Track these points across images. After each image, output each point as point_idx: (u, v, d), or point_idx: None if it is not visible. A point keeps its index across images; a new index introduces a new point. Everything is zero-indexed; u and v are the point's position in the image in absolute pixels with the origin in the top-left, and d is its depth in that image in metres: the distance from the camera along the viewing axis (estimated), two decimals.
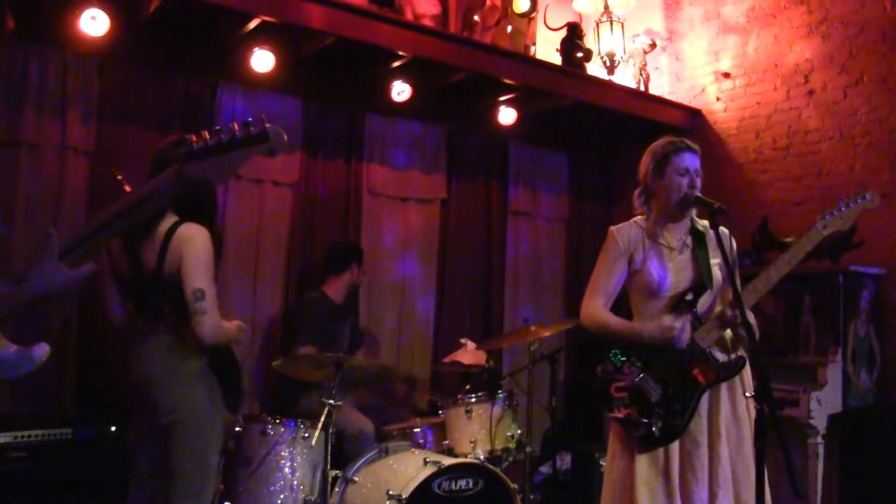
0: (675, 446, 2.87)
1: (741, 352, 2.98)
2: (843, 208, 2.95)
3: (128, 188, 2.92)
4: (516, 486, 3.96)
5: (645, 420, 2.86)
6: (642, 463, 2.88)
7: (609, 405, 2.96)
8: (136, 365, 3.00)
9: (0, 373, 1.76)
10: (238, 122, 1.61)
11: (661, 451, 2.87)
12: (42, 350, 1.80)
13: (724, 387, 2.92)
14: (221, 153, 1.61)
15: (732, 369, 2.92)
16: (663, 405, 2.87)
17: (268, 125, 1.61)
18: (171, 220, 2.92)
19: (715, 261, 2.99)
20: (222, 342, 3.02)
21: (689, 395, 2.87)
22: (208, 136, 1.61)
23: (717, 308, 3.00)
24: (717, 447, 2.86)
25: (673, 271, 3.00)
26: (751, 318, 2.86)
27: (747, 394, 2.87)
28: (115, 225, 1.69)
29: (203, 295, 2.85)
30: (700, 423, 2.88)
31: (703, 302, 2.97)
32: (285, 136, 1.64)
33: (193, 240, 2.89)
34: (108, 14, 4.12)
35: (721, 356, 2.95)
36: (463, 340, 5.14)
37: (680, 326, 2.90)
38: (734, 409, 2.93)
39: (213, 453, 3.02)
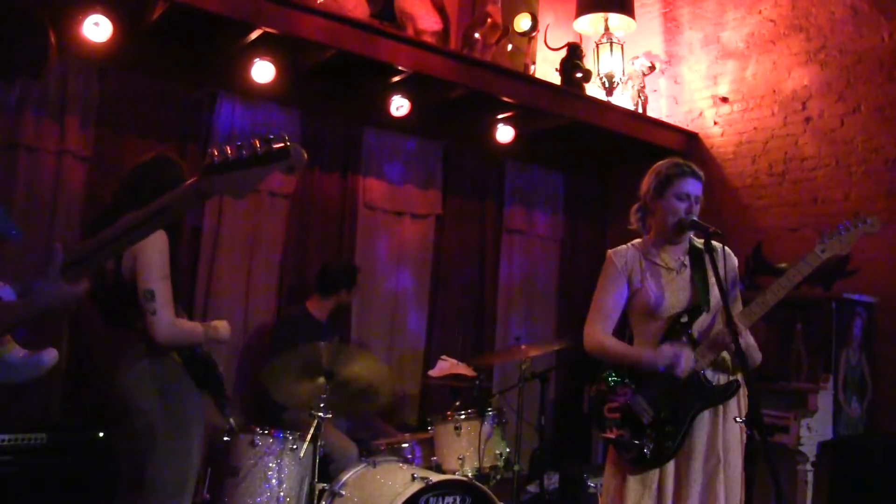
0: (669, 469, 2.86)
1: (738, 375, 2.97)
2: (842, 232, 2.93)
3: None
4: None
5: (636, 441, 2.86)
6: (633, 484, 2.88)
7: (601, 425, 2.97)
8: (109, 372, 3.03)
9: (9, 377, 1.76)
10: (259, 138, 1.60)
11: (654, 473, 2.86)
12: (51, 356, 1.81)
13: (720, 410, 2.90)
14: (241, 168, 1.60)
15: (725, 393, 2.90)
16: (655, 427, 2.87)
17: (289, 143, 1.60)
18: None
19: (714, 281, 2.98)
20: (181, 343, 3.03)
21: (682, 418, 2.85)
22: (229, 151, 1.60)
23: (716, 328, 2.99)
24: (716, 472, 2.84)
25: (670, 292, 2.99)
26: (750, 339, 2.86)
27: (737, 418, 2.86)
28: (125, 239, 1.69)
29: (153, 296, 2.89)
30: (694, 447, 2.86)
31: (700, 324, 2.96)
32: (305, 155, 1.63)
33: (147, 242, 2.91)
34: (111, 20, 4.12)
35: (721, 377, 2.94)
36: (444, 357, 5.12)
37: (679, 356, 2.87)
38: (726, 434, 2.91)
39: (191, 457, 3.01)
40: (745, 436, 2.94)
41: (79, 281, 1.69)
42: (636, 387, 2.92)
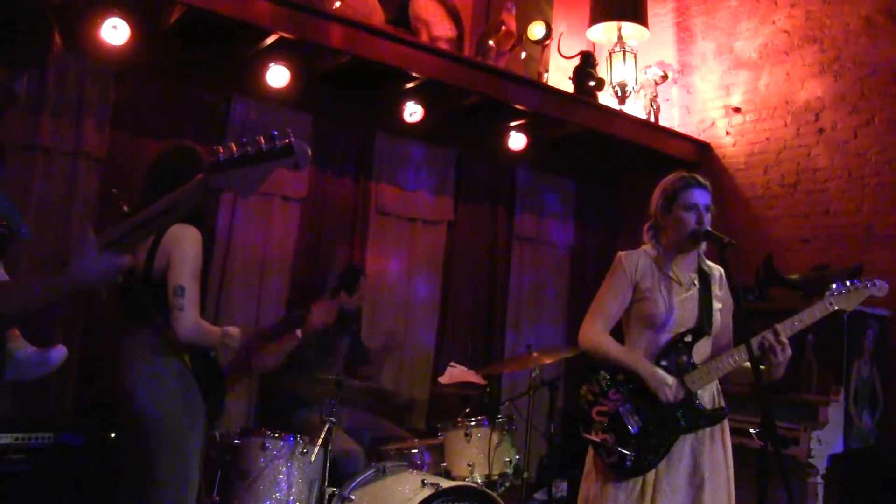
0: (649, 484, 2.84)
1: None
2: (850, 288, 2.98)
3: (125, 207, 3.00)
4: None
5: (619, 449, 2.85)
6: (612, 490, 2.86)
7: (587, 426, 2.94)
8: (118, 367, 3.04)
9: (18, 374, 1.77)
10: (264, 136, 1.63)
11: (636, 485, 2.84)
12: (60, 353, 1.82)
13: (707, 432, 2.91)
14: (247, 165, 1.63)
15: (711, 419, 2.91)
16: (640, 438, 2.85)
17: (293, 140, 1.63)
18: None
19: (717, 305, 3.00)
20: (201, 342, 3.05)
21: (667, 435, 2.85)
22: (235, 148, 1.63)
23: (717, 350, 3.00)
24: (701, 496, 2.84)
25: (680, 307, 2.97)
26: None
27: (751, 430, 2.86)
28: (136, 234, 1.71)
29: (183, 292, 2.93)
30: (677, 467, 2.86)
31: (700, 346, 2.97)
32: (309, 152, 1.66)
33: (183, 240, 2.98)
34: (128, 24, 4.14)
35: (706, 400, 2.94)
36: (453, 364, 5.12)
37: (666, 386, 2.87)
38: (713, 454, 2.92)
39: (193, 459, 3.02)
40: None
41: (120, 255, 1.70)
42: (628, 394, 2.91)
